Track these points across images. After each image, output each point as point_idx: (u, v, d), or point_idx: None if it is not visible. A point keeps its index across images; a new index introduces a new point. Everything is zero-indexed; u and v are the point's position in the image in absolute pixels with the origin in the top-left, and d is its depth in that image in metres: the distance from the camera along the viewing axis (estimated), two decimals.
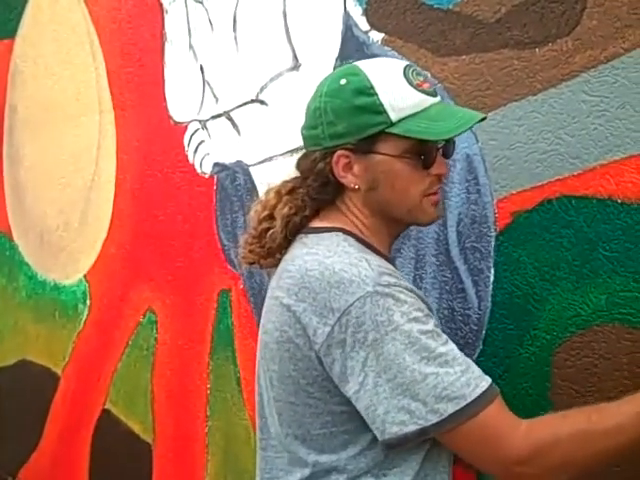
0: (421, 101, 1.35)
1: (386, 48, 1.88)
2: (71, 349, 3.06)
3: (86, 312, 2.98)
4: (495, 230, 1.69)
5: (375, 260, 1.33)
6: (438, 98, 1.40)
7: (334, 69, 2.01)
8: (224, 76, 2.36)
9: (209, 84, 2.42)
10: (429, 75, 1.77)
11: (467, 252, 1.74)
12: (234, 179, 2.34)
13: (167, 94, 2.58)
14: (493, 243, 1.70)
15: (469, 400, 1.22)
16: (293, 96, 2.13)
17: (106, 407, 2.87)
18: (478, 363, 1.68)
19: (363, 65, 1.39)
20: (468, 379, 1.23)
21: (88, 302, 2.97)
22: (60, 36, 3.06)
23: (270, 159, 2.22)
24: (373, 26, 1.92)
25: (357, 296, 1.26)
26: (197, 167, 2.47)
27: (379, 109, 1.33)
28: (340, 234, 1.38)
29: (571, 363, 1.57)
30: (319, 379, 1.32)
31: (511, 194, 1.66)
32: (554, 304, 1.59)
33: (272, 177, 2.18)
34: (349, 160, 1.37)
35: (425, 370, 1.23)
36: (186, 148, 2.50)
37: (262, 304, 2.21)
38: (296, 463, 1.39)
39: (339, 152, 1.37)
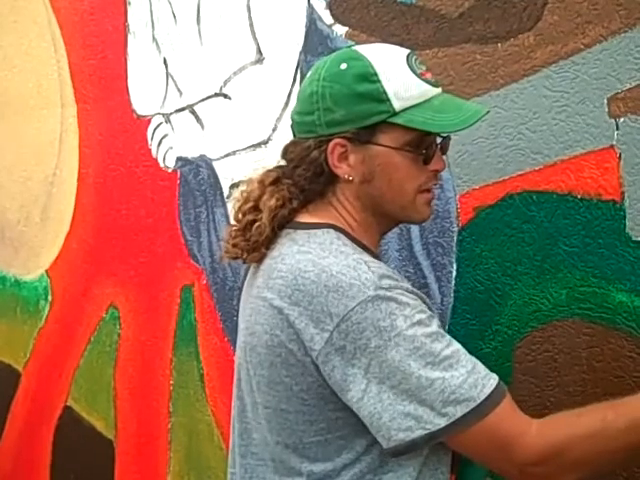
0: (425, 91, 1.30)
1: (350, 42, 1.88)
2: (32, 345, 3.01)
3: (47, 308, 2.94)
4: (458, 225, 1.70)
5: (373, 261, 1.28)
6: (440, 89, 1.34)
7: (298, 63, 2.00)
8: (188, 69, 2.34)
9: (172, 77, 2.40)
10: None
11: (430, 247, 1.74)
12: (197, 173, 2.32)
13: (130, 87, 2.55)
14: (456, 238, 1.70)
15: (478, 401, 1.19)
16: (257, 90, 2.12)
17: (68, 404, 2.83)
18: None
19: (365, 50, 1.33)
20: (475, 380, 1.20)
21: (50, 298, 2.93)
22: (21, 27, 3.01)
23: (234, 153, 2.20)
24: (337, 20, 1.92)
25: (358, 301, 1.20)
26: (160, 161, 2.45)
27: (382, 97, 1.27)
28: (332, 231, 1.31)
29: (532, 357, 1.58)
30: (314, 386, 1.26)
31: (473, 189, 1.67)
32: (515, 299, 1.60)
33: (236, 171, 2.20)
34: (345, 150, 1.30)
35: (431, 375, 1.19)
36: (149, 142, 2.48)
37: (225, 299, 2.24)
38: (286, 473, 1.33)
39: (335, 140, 1.29)
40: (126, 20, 2.54)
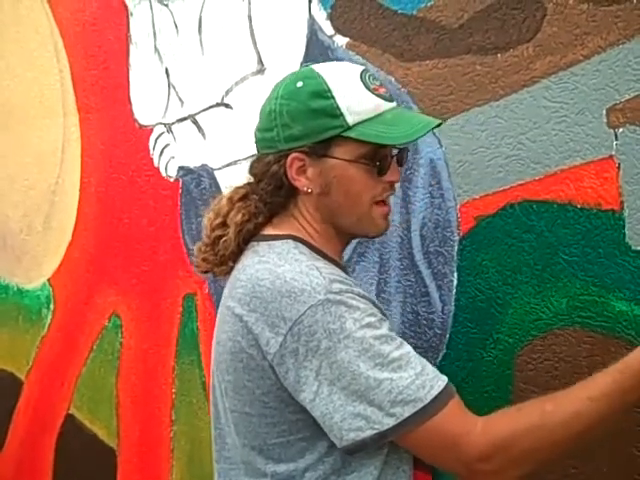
0: (377, 105, 1.35)
1: (350, 52, 1.89)
2: (35, 354, 3.02)
3: (50, 316, 2.94)
4: (458, 234, 1.70)
5: (326, 267, 1.33)
6: (394, 103, 1.40)
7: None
8: (189, 79, 2.35)
9: (174, 87, 2.41)
10: (393, 80, 1.79)
11: (431, 256, 1.75)
12: (199, 183, 2.33)
13: (132, 97, 2.56)
14: (456, 247, 1.71)
15: (425, 402, 1.23)
16: (258, 100, 2.10)
17: (70, 412, 2.84)
18: (441, 367, 1.71)
19: (320, 68, 1.39)
20: (423, 381, 1.24)
21: (52, 306, 2.93)
22: (23, 37, 3.02)
23: (235, 163, 2.21)
24: (338, 30, 1.93)
25: (309, 305, 1.25)
26: (162, 171, 2.46)
27: (335, 112, 1.32)
28: (291, 241, 1.37)
29: (532, 366, 1.58)
30: (274, 388, 1.31)
31: (474, 199, 1.68)
32: (516, 308, 1.61)
33: (237, 181, 2.20)
34: (303, 163, 1.36)
35: (380, 376, 1.23)
36: (151, 151, 2.49)
37: None
38: (253, 474, 1.37)
39: (293, 155, 1.35)
40: (128, 30, 2.55)
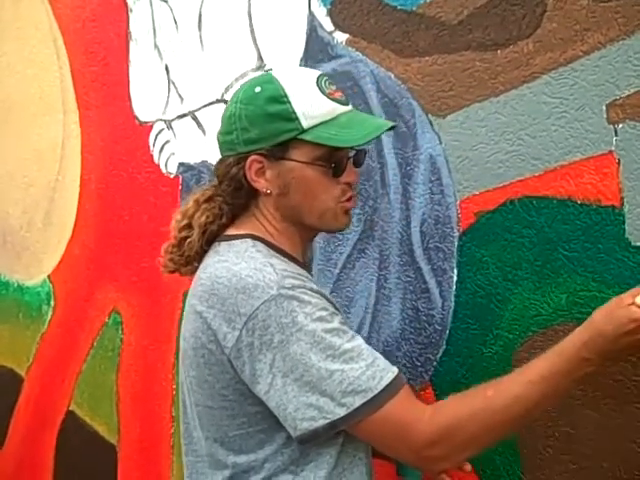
0: (332, 109, 1.40)
1: (350, 49, 1.89)
2: (35, 350, 3.03)
3: (50, 313, 2.95)
4: (458, 230, 1.71)
5: (281, 264, 1.37)
6: (350, 107, 1.45)
7: (294, 66, 2.01)
8: (189, 76, 2.35)
9: (174, 84, 2.41)
10: (393, 76, 1.79)
11: (431, 252, 1.75)
12: (199, 179, 2.33)
13: (132, 94, 2.57)
14: (456, 243, 1.71)
15: (375, 392, 1.27)
16: None
17: (71, 409, 2.84)
18: (441, 363, 1.72)
19: (278, 74, 1.44)
20: (373, 372, 1.28)
21: (52, 303, 2.94)
22: (23, 34, 3.02)
23: None
24: (337, 27, 1.93)
25: (262, 300, 1.30)
26: (162, 167, 2.46)
27: (291, 116, 1.38)
28: (249, 240, 1.42)
29: None
30: (232, 382, 1.36)
31: (474, 194, 1.68)
32: (516, 304, 1.61)
33: None
34: (262, 165, 1.41)
35: (331, 367, 1.27)
36: (151, 148, 2.49)
37: None
38: (216, 466, 1.42)
39: (252, 157, 1.40)
40: (128, 27, 2.55)
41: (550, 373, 1.27)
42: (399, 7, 1.79)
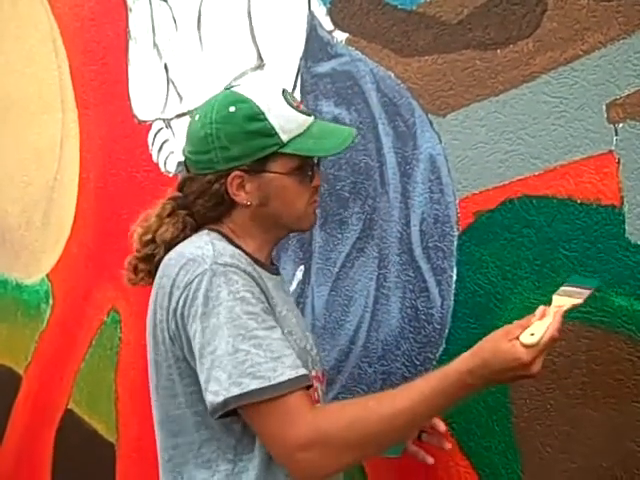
0: (304, 121, 1.48)
1: (350, 48, 1.89)
2: (33, 349, 3.02)
3: (49, 311, 2.95)
4: (458, 229, 1.71)
5: (225, 248, 1.42)
6: (313, 117, 1.52)
7: (298, 69, 2.01)
8: (188, 75, 2.35)
9: (173, 83, 2.41)
10: (393, 75, 1.79)
11: (430, 251, 1.75)
12: None
13: (131, 92, 2.56)
14: (456, 242, 1.71)
15: (272, 382, 1.29)
16: None
17: (69, 407, 2.84)
18: (441, 362, 1.72)
19: (246, 91, 1.48)
20: (276, 366, 1.30)
21: (51, 301, 2.94)
22: (22, 33, 3.02)
23: None
24: (337, 26, 1.93)
25: (196, 273, 1.35)
26: (161, 166, 2.46)
27: (271, 132, 1.44)
28: (206, 231, 1.48)
29: None
30: (173, 360, 1.41)
31: (473, 194, 1.68)
32: (515, 303, 1.61)
33: None
34: (242, 179, 1.46)
35: (238, 346, 1.30)
36: (150, 147, 2.49)
37: None
38: (161, 448, 1.48)
39: (234, 174, 1.46)
40: (127, 26, 2.55)
41: (432, 393, 1.30)
42: (399, 6, 1.79)
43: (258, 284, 1.40)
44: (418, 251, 1.77)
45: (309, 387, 1.36)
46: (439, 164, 1.73)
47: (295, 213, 1.51)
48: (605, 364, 1.48)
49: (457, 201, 1.70)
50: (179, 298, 1.37)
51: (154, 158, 2.47)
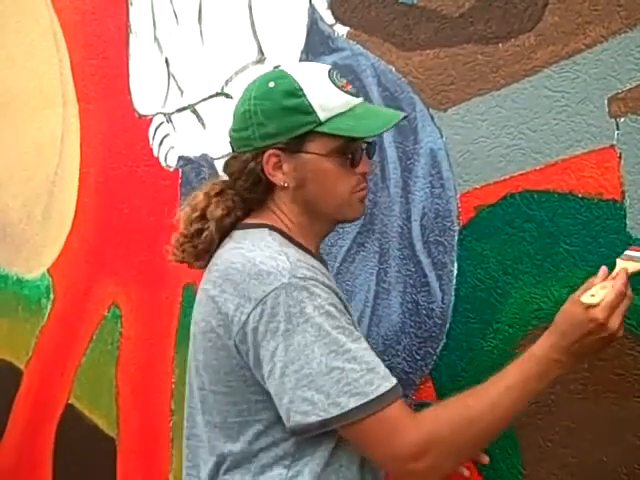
0: (347, 101, 1.41)
1: (351, 42, 1.89)
2: (34, 344, 3.02)
3: (49, 306, 2.95)
4: (458, 224, 1.70)
5: (295, 254, 1.38)
6: (361, 99, 1.46)
7: (299, 62, 2.01)
8: (189, 69, 2.35)
9: (174, 77, 2.40)
10: (394, 69, 1.78)
11: (431, 246, 1.75)
12: (199, 172, 2.33)
13: (132, 87, 2.56)
14: (456, 237, 1.71)
15: (371, 397, 1.26)
16: None
17: (70, 402, 2.84)
18: (442, 356, 1.72)
19: (290, 68, 1.45)
20: (372, 378, 1.27)
21: (51, 296, 2.94)
22: (23, 27, 3.01)
23: None
24: (338, 20, 1.92)
25: (273, 287, 1.30)
26: (162, 160, 2.45)
27: (308, 109, 1.38)
28: (266, 230, 1.43)
29: None
30: (237, 368, 1.36)
31: (474, 188, 1.68)
32: (516, 298, 1.61)
33: None
34: (279, 159, 1.41)
35: (331, 364, 1.27)
36: (151, 141, 2.48)
37: None
38: (214, 452, 1.43)
39: (269, 151, 1.41)
40: (128, 20, 2.54)
41: (523, 377, 1.29)
42: (400, 0, 1.78)
43: (337, 294, 1.37)
44: (419, 246, 1.77)
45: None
46: (440, 158, 1.73)
47: (335, 200, 1.44)
48: (606, 359, 1.48)
49: (458, 196, 1.70)
50: (251, 311, 1.31)
51: (155, 152, 2.47)
